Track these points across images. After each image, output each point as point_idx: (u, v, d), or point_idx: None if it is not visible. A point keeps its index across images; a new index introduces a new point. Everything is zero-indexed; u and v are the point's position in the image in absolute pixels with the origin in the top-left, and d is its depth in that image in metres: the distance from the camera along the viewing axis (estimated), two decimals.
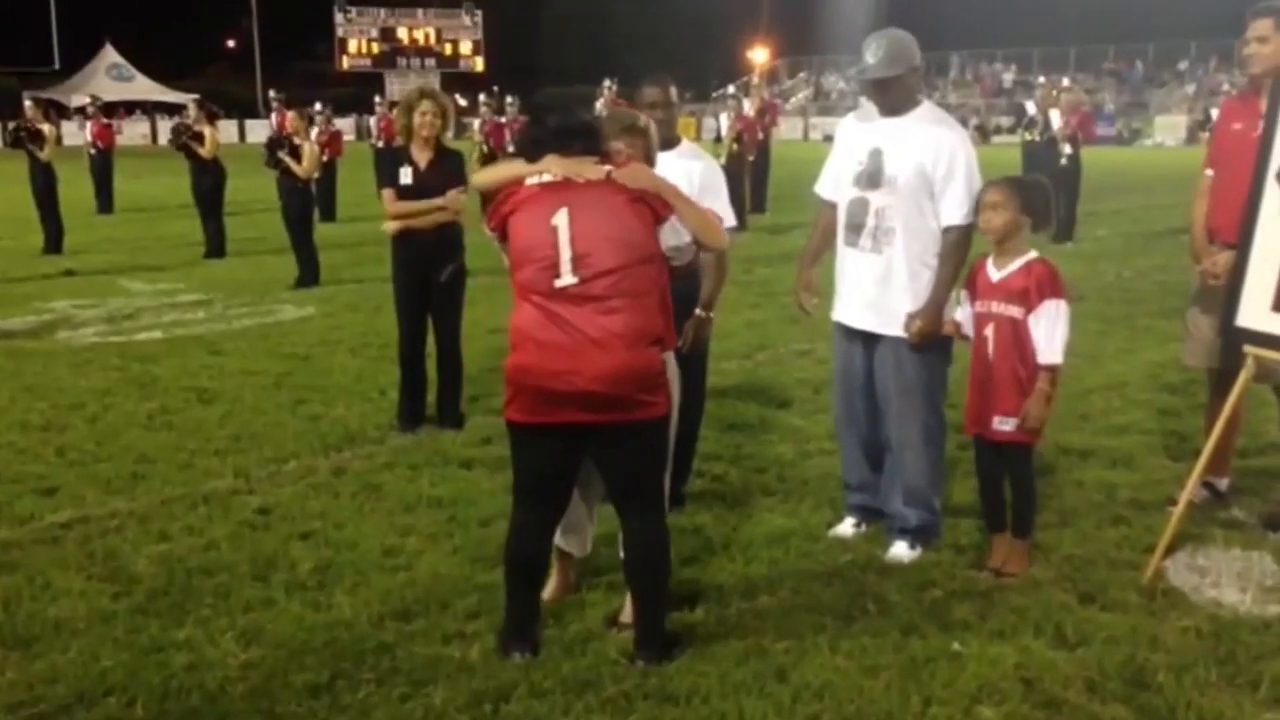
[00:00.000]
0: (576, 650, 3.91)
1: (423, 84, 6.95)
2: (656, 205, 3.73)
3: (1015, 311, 4.40)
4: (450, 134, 6.68)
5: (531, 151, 3.86)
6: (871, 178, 4.62)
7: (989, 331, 4.48)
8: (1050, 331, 4.34)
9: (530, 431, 3.75)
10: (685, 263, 3.93)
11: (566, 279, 3.62)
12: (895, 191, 4.57)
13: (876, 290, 4.66)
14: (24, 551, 4.89)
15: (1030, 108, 18.20)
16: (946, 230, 4.57)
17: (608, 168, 3.77)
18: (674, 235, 3.78)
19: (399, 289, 6.73)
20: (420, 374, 6.80)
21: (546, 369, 3.62)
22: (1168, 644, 3.94)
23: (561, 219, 3.64)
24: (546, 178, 3.73)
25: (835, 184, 4.89)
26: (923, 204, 4.56)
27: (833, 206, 4.91)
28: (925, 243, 4.59)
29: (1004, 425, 4.45)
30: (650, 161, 4.07)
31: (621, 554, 4.00)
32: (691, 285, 5.03)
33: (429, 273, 6.55)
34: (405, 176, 6.49)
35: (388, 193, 6.56)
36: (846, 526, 4.99)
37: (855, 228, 4.70)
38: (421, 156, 6.53)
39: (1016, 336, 4.40)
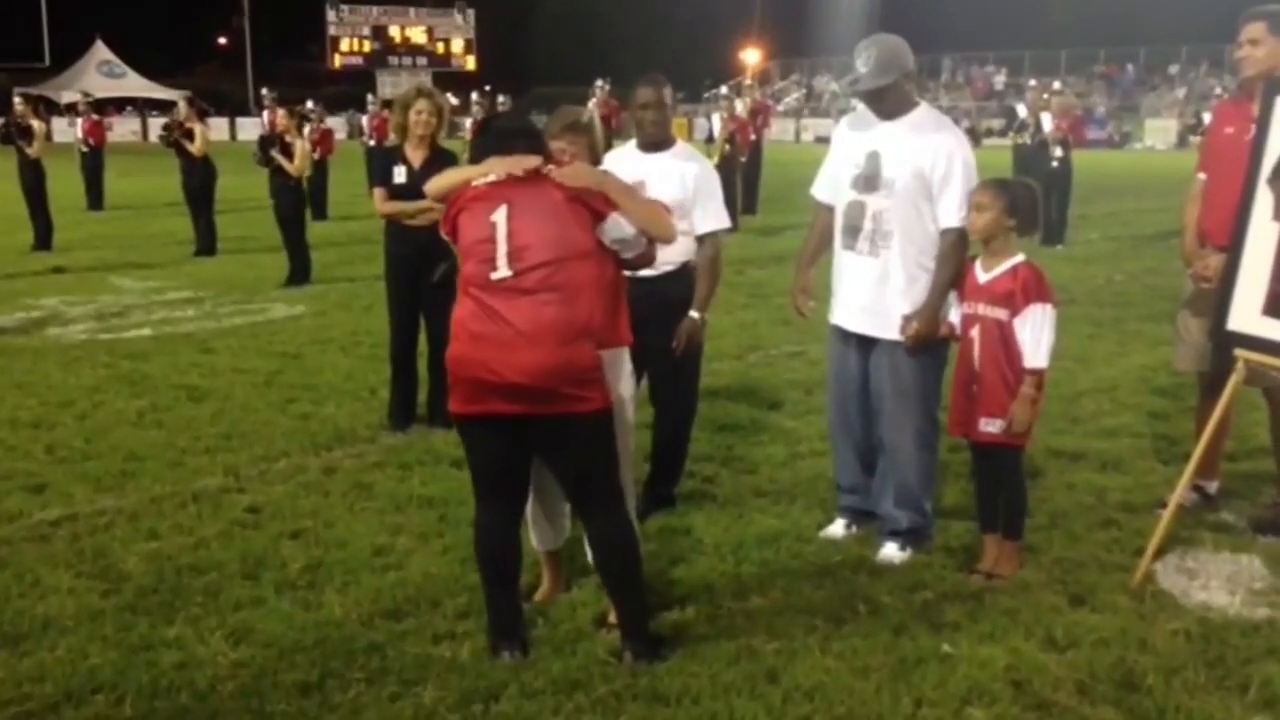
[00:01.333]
0: (567, 650, 3.91)
1: (419, 83, 6.94)
2: (595, 203, 3.77)
3: (1001, 314, 4.41)
4: (443, 134, 6.67)
5: (478, 156, 3.96)
6: (869, 181, 4.61)
7: (975, 333, 4.49)
8: (1036, 335, 4.35)
9: (469, 422, 3.80)
10: (639, 254, 3.94)
11: (502, 272, 3.68)
12: (893, 194, 4.56)
13: (873, 293, 4.65)
14: (13, 549, 4.88)
15: (1021, 111, 18.26)
16: (944, 233, 4.56)
17: (549, 166, 3.83)
18: (616, 229, 3.81)
19: (391, 288, 6.73)
20: (411, 373, 6.79)
21: (476, 359, 3.67)
22: (1157, 646, 3.95)
23: (500, 215, 3.71)
24: (491, 178, 3.80)
25: (832, 187, 4.88)
26: (920, 207, 4.56)
27: (829, 209, 4.91)
28: (922, 246, 4.59)
29: (989, 427, 4.45)
30: (595, 158, 4.13)
31: (589, 555, 4.01)
32: (684, 287, 5.04)
33: (421, 272, 6.54)
34: (399, 176, 6.48)
35: (379, 192, 6.56)
36: (838, 528, 5.00)
37: (852, 231, 4.69)
38: (415, 156, 6.52)
39: (1002, 339, 4.40)
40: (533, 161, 3.81)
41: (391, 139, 6.83)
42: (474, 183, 3.82)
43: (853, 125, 4.83)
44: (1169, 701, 3.59)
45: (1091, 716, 3.55)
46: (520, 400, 3.65)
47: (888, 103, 4.61)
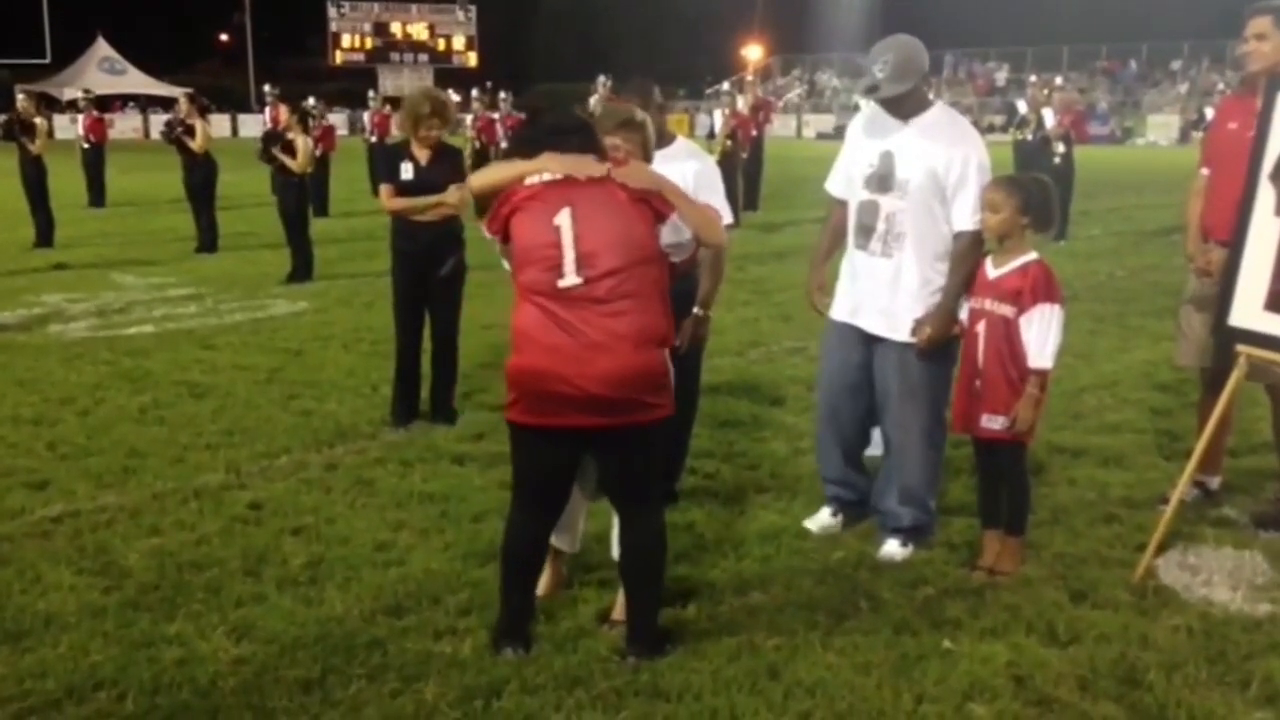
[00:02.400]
0: (568, 646, 3.90)
1: (431, 93, 6.75)
2: (658, 204, 3.69)
3: (1007, 311, 4.39)
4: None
5: (527, 150, 3.81)
6: (882, 181, 4.57)
7: (980, 328, 4.47)
8: (1042, 335, 4.33)
9: (533, 433, 3.72)
10: (684, 259, 3.91)
11: (570, 279, 3.57)
12: (906, 196, 4.52)
13: (886, 294, 4.62)
14: (14, 545, 4.88)
15: (1022, 106, 18.22)
16: (958, 236, 4.53)
17: (607, 165, 3.74)
18: (674, 233, 3.75)
19: (397, 284, 6.70)
20: (415, 369, 6.78)
21: (553, 372, 3.57)
22: (1159, 642, 3.95)
23: (564, 218, 3.59)
24: (546, 176, 3.68)
25: (846, 183, 4.83)
26: (934, 209, 4.52)
27: (843, 205, 4.87)
28: (935, 248, 4.55)
29: (991, 423, 4.44)
30: (648, 156, 4.03)
31: (614, 551, 4.00)
32: (688, 284, 5.02)
33: (428, 268, 6.53)
34: (406, 172, 6.46)
35: (385, 188, 6.54)
36: (824, 515, 4.98)
37: (865, 231, 4.65)
38: (421, 153, 6.49)
39: (1008, 336, 4.39)
40: (599, 168, 3.69)
41: (394, 135, 6.79)
42: (526, 181, 3.70)
43: (868, 123, 4.78)
44: (1170, 697, 3.59)
45: (1093, 712, 3.54)
46: (597, 412, 3.58)
47: (905, 107, 4.57)
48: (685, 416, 5.37)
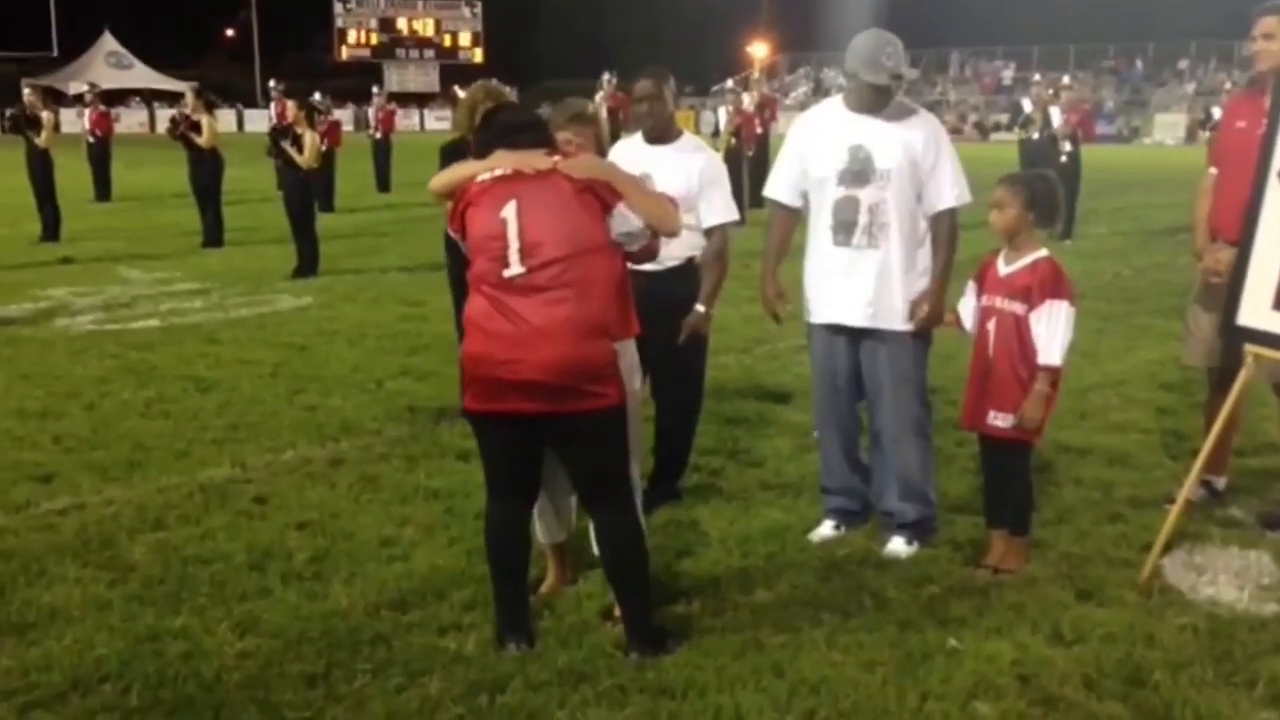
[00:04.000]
0: (572, 642, 3.90)
1: (493, 89, 6.51)
2: (603, 194, 3.74)
3: (1018, 308, 4.39)
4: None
5: (482, 151, 3.92)
6: (858, 175, 4.57)
7: (991, 325, 4.47)
8: (1051, 332, 4.32)
9: (485, 420, 3.80)
10: (640, 248, 3.91)
11: (514, 269, 3.65)
12: (888, 185, 4.54)
13: (876, 285, 4.61)
14: (20, 538, 4.88)
15: (1026, 105, 18.19)
16: (939, 215, 4.59)
17: (555, 158, 3.80)
18: (624, 222, 3.77)
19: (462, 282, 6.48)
20: None
21: (493, 358, 3.65)
22: (1164, 642, 3.94)
23: (510, 211, 3.67)
24: (498, 172, 3.76)
25: (793, 187, 4.84)
26: (914, 193, 4.58)
27: (788, 210, 4.89)
28: (918, 232, 4.62)
29: (998, 420, 4.44)
30: (601, 149, 4.11)
31: (595, 549, 4.00)
32: (689, 283, 5.01)
33: None
34: None
35: None
36: (827, 529, 4.94)
37: (846, 226, 4.63)
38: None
39: (1018, 333, 4.39)
40: (544, 161, 3.76)
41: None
42: (479, 178, 3.78)
43: (817, 123, 4.80)
44: (1176, 697, 3.58)
45: (1098, 711, 3.54)
46: (538, 398, 3.64)
47: (887, 96, 4.59)
48: (690, 414, 5.38)
